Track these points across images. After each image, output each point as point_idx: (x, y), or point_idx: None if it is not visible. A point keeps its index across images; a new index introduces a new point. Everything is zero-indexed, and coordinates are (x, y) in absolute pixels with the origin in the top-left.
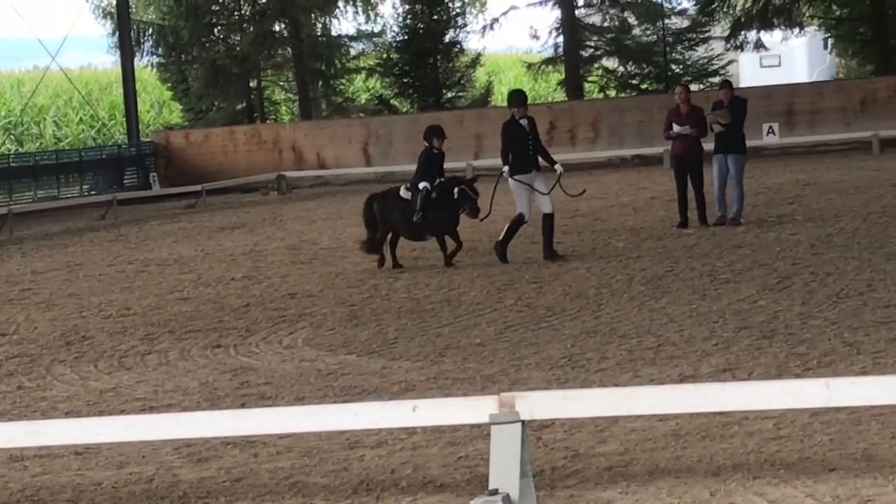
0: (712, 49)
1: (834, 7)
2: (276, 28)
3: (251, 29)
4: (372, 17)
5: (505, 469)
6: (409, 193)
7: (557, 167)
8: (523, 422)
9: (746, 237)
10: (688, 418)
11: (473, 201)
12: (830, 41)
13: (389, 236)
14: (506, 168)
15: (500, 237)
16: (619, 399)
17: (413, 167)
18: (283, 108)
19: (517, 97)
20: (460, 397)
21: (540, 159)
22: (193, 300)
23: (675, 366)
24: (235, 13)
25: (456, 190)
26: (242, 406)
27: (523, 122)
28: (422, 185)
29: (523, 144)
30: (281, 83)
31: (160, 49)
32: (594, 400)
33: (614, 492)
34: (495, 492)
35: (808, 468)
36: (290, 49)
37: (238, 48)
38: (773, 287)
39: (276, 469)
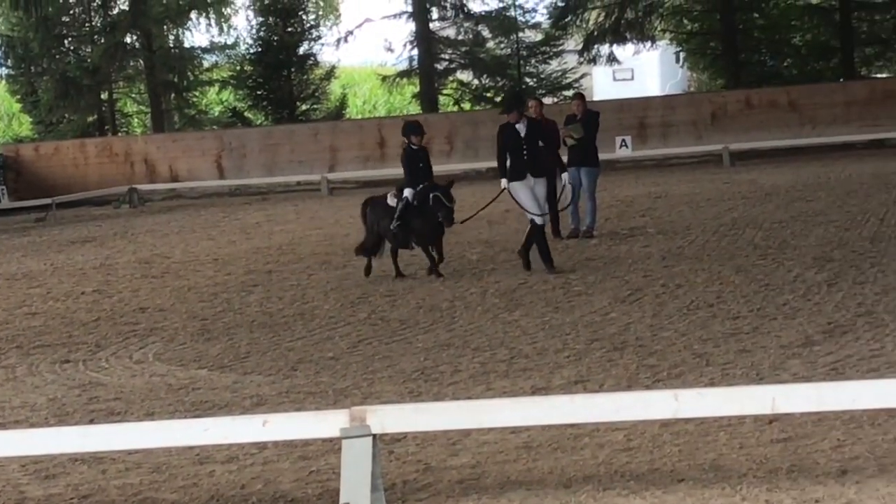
0: (566, 62)
1: (685, 22)
2: (128, 40)
3: (102, 40)
4: (225, 29)
5: (356, 483)
6: (395, 200)
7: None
8: (374, 435)
9: (599, 250)
10: (539, 430)
11: (448, 209)
12: (682, 55)
13: (389, 245)
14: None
15: (521, 244)
16: (471, 412)
17: (268, 179)
18: (136, 120)
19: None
20: (311, 411)
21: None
22: (42, 315)
23: (527, 378)
24: (86, 25)
25: (430, 197)
26: (91, 422)
27: (520, 126)
28: (406, 191)
29: (518, 149)
30: (133, 95)
31: (9, 61)
32: (446, 413)
33: None
34: None
35: (657, 479)
36: (142, 61)
37: (89, 60)
38: (624, 299)
39: (125, 485)
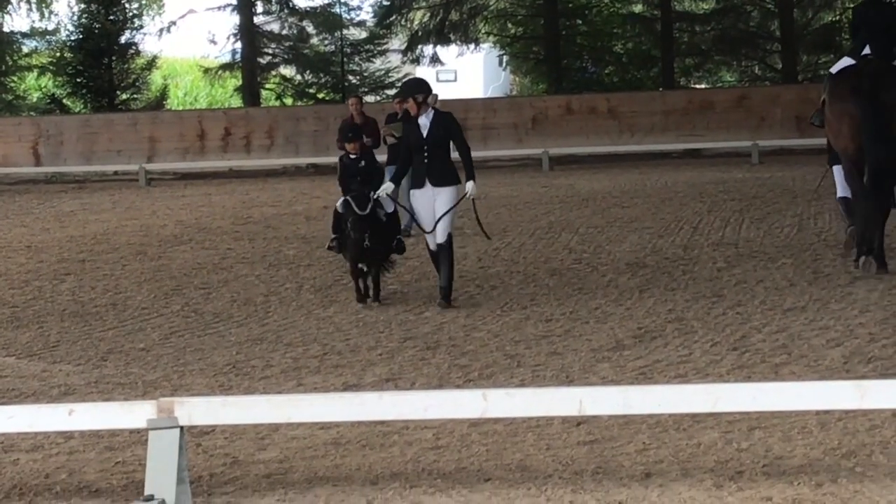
0: (389, 61)
1: (510, 25)
2: None
3: None
4: (46, 14)
5: (161, 474)
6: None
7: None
8: (182, 427)
9: (416, 249)
10: (349, 427)
11: (358, 219)
12: (505, 59)
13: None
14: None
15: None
16: (280, 406)
17: (86, 168)
18: None
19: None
20: (118, 402)
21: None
22: None
23: (339, 374)
24: None
25: (341, 203)
26: None
27: (423, 120)
28: (339, 201)
29: (419, 151)
30: None
31: None
32: (255, 407)
33: (272, 499)
34: (150, 497)
35: (464, 478)
36: None
37: None
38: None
39: None
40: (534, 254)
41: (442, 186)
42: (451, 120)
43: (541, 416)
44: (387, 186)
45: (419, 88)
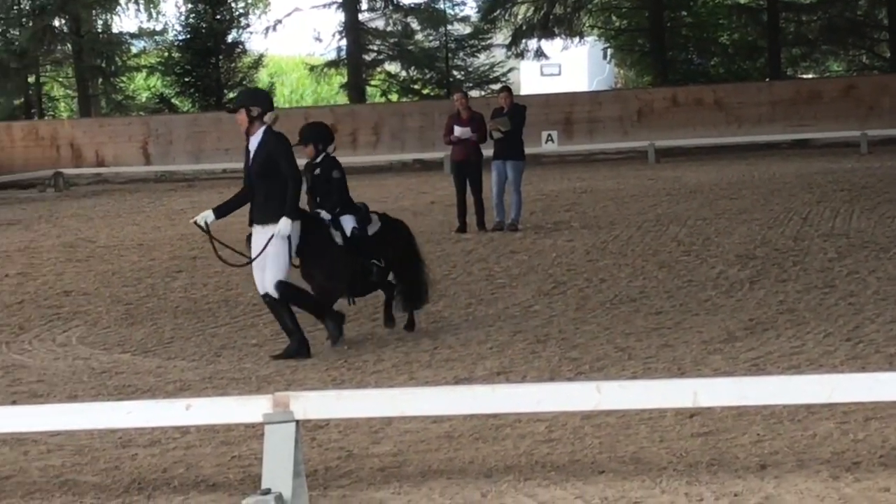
0: (493, 56)
1: (614, 18)
2: (57, 23)
3: (31, 24)
4: (154, 14)
5: (278, 468)
6: None
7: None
8: (297, 421)
9: (523, 243)
10: (461, 420)
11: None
12: (610, 52)
13: None
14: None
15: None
16: (393, 400)
17: (195, 167)
18: (62, 104)
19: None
20: (234, 396)
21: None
22: None
23: (450, 368)
24: (15, 7)
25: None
26: (13, 403)
27: (253, 141)
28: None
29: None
30: (60, 79)
31: None
32: (368, 400)
33: (387, 492)
34: (268, 491)
35: (578, 470)
36: (70, 45)
37: (17, 43)
38: (548, 292)
39: (47, 467)
40: (642, 246)
41: (263, 225)
42: (279, 141)
43: (654, 408)
44: (206, 214)
45: (253, 99)
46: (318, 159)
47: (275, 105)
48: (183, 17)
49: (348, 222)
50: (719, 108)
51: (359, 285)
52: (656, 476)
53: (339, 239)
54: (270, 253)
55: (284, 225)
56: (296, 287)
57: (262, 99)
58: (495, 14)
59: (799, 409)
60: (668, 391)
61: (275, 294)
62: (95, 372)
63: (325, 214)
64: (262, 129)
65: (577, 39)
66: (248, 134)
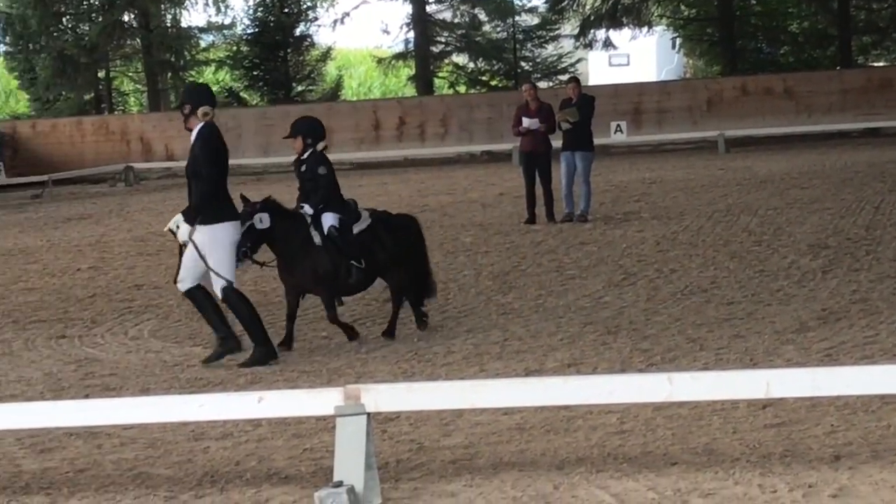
0: (562, 47)
1: (682, 7)
2: (126, 18)
3: (100, 19)
4: (222, 8)
5: (350, 461)
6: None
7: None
8: (369, 414)
9: (593, 234)
10: (532, 412)
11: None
12: (679, 41)
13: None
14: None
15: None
16: (464, 392)
17: (263, 160)
18: (132, 98)
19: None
20: (306, 389)
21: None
22: (38, 290)
23: (520, 360)
24: (84, 2)
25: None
26: (86, 397)
27: (192, 138)
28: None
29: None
30: (130, 74)
31: (7, 38)
32: (439, 393)
33: (458, 484)
34: (340, 484)
35: (650, 462)
36: (139, 40)
37: (87, 38)
38: (618, 283)
39: (120, 460)
40: (713, 237)
41: (199, 225)
42: (201, 138)
43: (727, 399)
44: (178, 218)
45: (186, 95)
46: (305, 155)
47: (216, 99)
48: (251, 11)
49: (327, 221)
50: (789, 97)
51: (339, 286)
52: (729, 467)
53: (317, 239)
54: (205, 258)
55: (185, 230)
56: (207, 296)
57: (193, 95)
58: (563, 4)
59: (873, 399)
60: (740, 382)
61: (222, 295)
62: (167, 365)
63: (307, 209)
64: (198, 126)
65: (645, 29)
66: (189, 130)
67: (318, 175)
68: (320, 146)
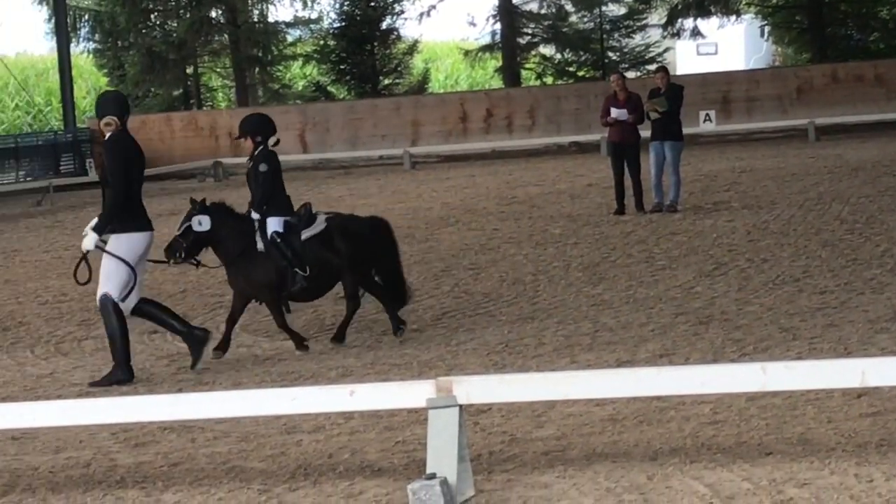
0: (649, 36)
1: None
2: (213, 14)
3: (188, 15)
4: (309, 3)
5: (442, 453)
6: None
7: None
8: (461, 406)
9: (683, 224)
10: (625, 403)
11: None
12: (767, 29)
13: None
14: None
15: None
16: (556, 383)
17: (351, 154)
18: (220, 94)
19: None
20: (398, 382)
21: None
22: None
23: (612, 351)
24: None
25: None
26: (179, 391)
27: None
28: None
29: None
30: (218, 70)
31: (96, 35)
32: (531, 384)
33: (551, 476)
34: (433, 476)
35: (744, 452)
36: (226, 35)
37: (175, 34)
38: (709, 273)
39: (214, 454)
40: (804, 225)
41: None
42: (107, 146)
43: (821, 388)
44: (90, 224)
45: (103, 108)
46: (256, 152)
47: (130, 107)
48: (337, 5)
49: (271, 226)
50: (880, 83)
51: (284, 293)
52: (825, 457)
53: (261, 245)
54: (108, 264)
55: (90, 239)
56: (155, 306)
57: (97, 105)
58: None
59: None
60: (834, 371)
61: (98, 303)
62: (259, 359)
63: (255, 215)
64: (108, 135)
65: (733, 18)
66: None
67: (259, 172)
68: (271, 142)
